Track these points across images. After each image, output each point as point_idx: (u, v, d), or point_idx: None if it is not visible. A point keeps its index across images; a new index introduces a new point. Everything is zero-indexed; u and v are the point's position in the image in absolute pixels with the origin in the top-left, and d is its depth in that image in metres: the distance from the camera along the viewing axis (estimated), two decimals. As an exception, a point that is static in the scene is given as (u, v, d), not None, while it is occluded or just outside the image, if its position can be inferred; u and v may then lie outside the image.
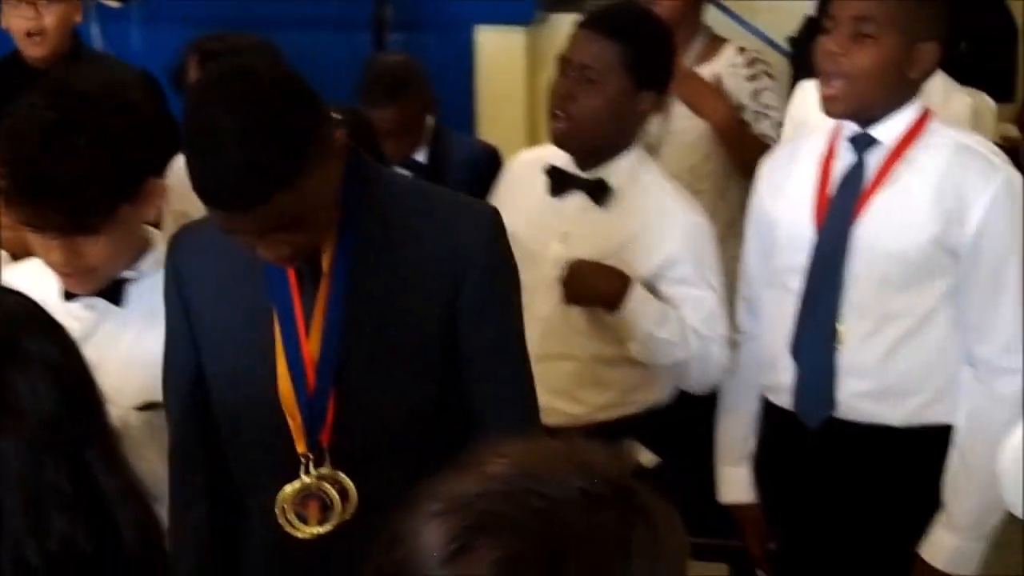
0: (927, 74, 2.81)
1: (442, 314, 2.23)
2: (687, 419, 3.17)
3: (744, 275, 3.11)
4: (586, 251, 3.03)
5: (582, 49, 3.00)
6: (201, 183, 2.05)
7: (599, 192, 3.05)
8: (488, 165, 4.14)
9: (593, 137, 3.03)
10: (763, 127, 3.92)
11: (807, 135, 3.00)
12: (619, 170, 3.06)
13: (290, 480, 2.25)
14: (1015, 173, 2.81)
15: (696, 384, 3.14)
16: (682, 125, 3.90)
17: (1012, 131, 5.69)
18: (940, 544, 2.88)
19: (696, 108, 3.89)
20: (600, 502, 1.30)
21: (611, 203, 3.05)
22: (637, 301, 2.97)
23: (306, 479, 2.24)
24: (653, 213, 3.01)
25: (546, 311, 3.04)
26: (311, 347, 2.22)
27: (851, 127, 2.84)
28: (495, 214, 2.30)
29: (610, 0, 3.34)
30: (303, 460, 2.24)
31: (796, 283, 2.88)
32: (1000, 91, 5.05)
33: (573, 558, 1.26)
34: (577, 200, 3.07)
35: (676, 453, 3.10)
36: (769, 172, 3.03)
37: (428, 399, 2.26)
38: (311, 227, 2.13)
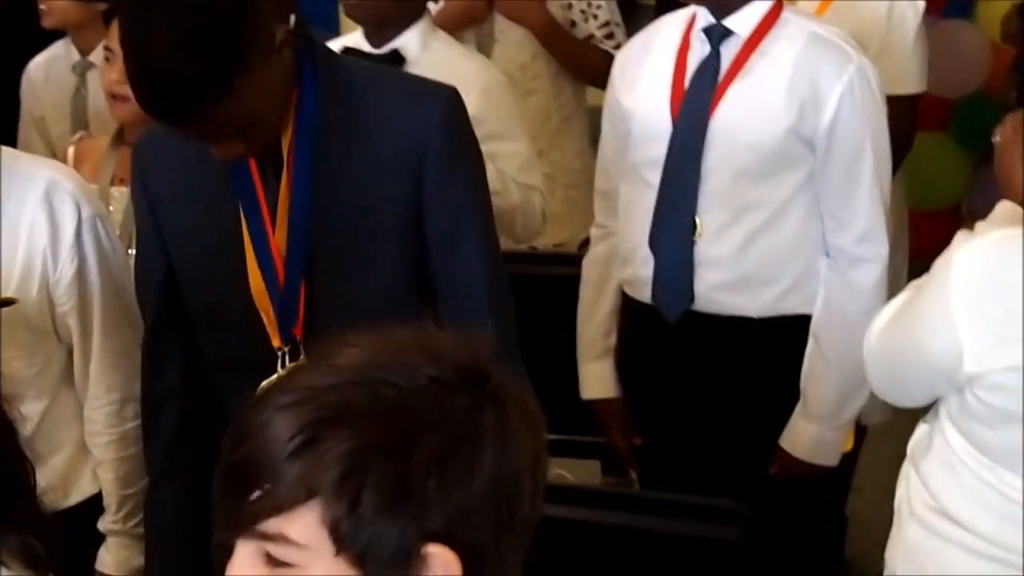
0: None
1: (407, 197, 2.21)
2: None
3: (600, 169, 3.10)
4: None
5: None
6: (137, 95, 2.02)
7: (394, 63, 3.12)
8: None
9: (380, 10, 3.13)
10: (590, 27, 3.99)
11: (660, 28, 2.99)
12: (410, 41, 3.17)
13: (267, 376, 2.20)
14: (868, 63, 2.82)
15: (523, 234, 3.23)
16: (508, 25, 3.99)
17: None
18: (800, 434, 2.91)
19: (510, 15, 3.97)
20: (450, 389, 1.30)
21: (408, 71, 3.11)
22: None
23: (281, 373, 2.21)
24: (449, 77, 3.02)
25: None
26: (278, 240, 2.21)
27: (706, 18, 2.83)
28: (454, 96, 2.28)
29: None
30: (279, 354, 2.23)
31: (653, 176, 2.87)
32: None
33: (423, 445, 1.27)
34: None
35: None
36: (623, 65, 3.01)
37: (400, 285, 2.24)
38: (259, 127, 2.10)
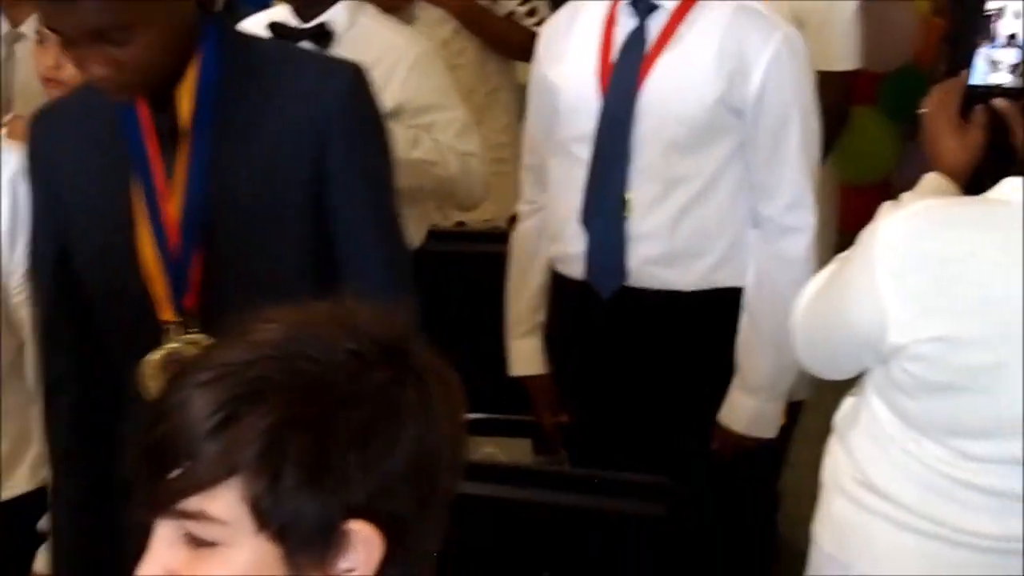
0: None
1: (309, 171, 2.16)
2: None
3: (528, 144, 3.08)
4: None
5: None
6: None
7: (322, 37, 3.15)
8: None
9: None
10: (511, 4, 4.04)
11: (584, 2, 2.96)
12: (337, 15, 3.19)
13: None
14: (795, 31, 2.82)
15: (467, 202, 3.27)
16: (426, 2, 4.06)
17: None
18: (738, 408, 2.91)
19: None
20: (370, 364, 1.29)
21: (335, 46, 3.13)
22: None
23: (170, 345, 2.18)
24: (377, 51, 3.08)
25: None
26: (173, 208, 2.14)
27: (632, -10, 2.81)
28: (358, 71, 2.23)
29: None
30: (166, 326, 2.18)
31: (583, 151, 2.85)
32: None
33: (342, 420, 1.26)
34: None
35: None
36: (548, 39, 2.99)
37: (301, 263, 2.19)
38: (142, 43, 2.01)
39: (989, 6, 2.02)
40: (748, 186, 2.84)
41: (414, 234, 3.20)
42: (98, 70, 2.02)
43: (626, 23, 2.83)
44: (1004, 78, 2.04)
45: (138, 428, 1.40)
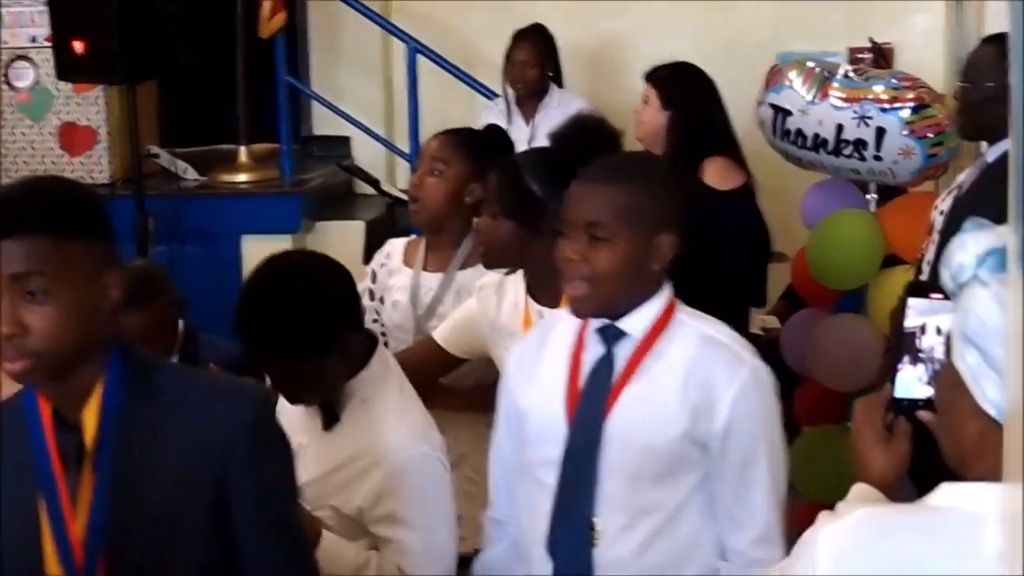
0: (668, 262, 2.84)
1: (211, 497, 2.23)
2: None
3: (496, 462, 3.05)
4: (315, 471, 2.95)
5: None
6: None
7: (329, 417, 3.00)
8: (238, 368, 4.09)
9: None
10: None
11: (555, 324, 3.00)
12: (351, 394, 2.98)
13: None
14: (761, 365, 2.85)
15: None
16: None
17: (772, 322, 5.86)
18: None
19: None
20: None
21: (336, 427, 2.99)
22: (326, 553, 2.81)
23: None
24: (374, 440, 2.93)
25: None
26: (78, 528, 2.22)
27: (599, 318, 2.84)
28: (261, 399, 2.31)
29: None
30: None
31: (549, 477, 2.84)
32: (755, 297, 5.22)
33: None
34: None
35: None
36: (518, 361, 3.01)
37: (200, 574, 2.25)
38: (53, 309, 2.13)
39: (908, 324, 2.09)
40: (714, 516, 2.82)
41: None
42: (7, 328, 2.12)
43: (594, 349, 2.85)
44: (926, 391, 2.10)
45: None
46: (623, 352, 2.84)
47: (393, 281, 3.94)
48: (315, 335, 2.87)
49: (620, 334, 2.84)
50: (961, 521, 1.84)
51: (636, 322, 2.83)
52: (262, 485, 2.26)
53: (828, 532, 1.96)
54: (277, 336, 2.86)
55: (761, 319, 5.79)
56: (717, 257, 4.37)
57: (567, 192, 2.84)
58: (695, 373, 2.79)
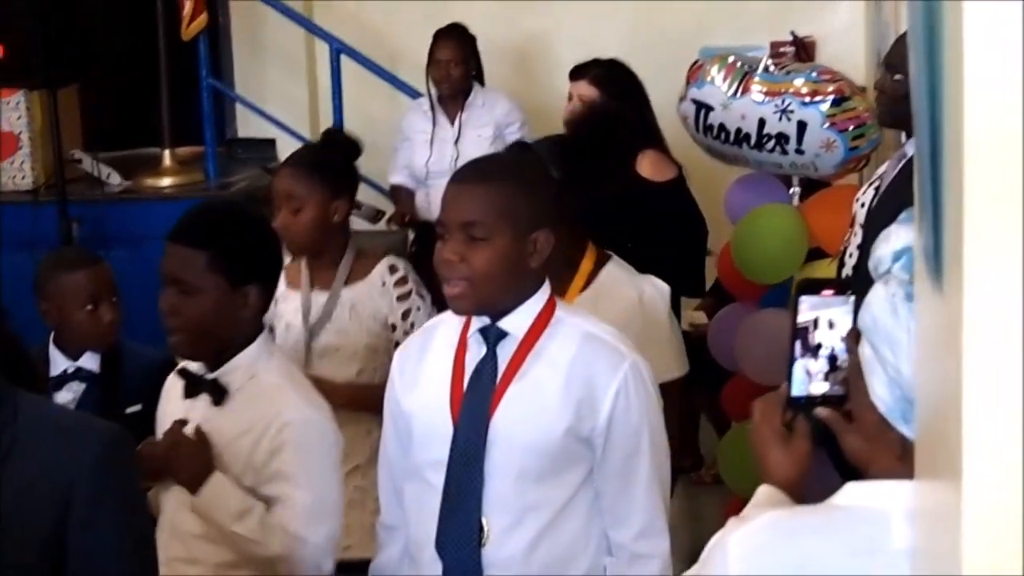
0: (547, 259, 2.82)
1: (49, 537, 2.15)
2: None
3: (384, 466, 3.05)
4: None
5: (170, 264, 2.99)
6: None
7: (218, 392, 3.03)
8: (163, 376, 4.03)
9: (202, 342, 3.01)
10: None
11: (437, 326, 3.00)
12: (236, 368, 3.03)
13: None
14: (641, 360, 2.85)
15: None
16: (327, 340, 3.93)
17: (700, 318, 5.82)
18: None
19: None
20: None
21: (227, 401, 3.02)
22: (214, 491, 2.92)
23: None
24: (263, 406, 2.99)
25: (169, 514, 3.03)
26: None
27: (480, 319, 2.84)
28: (112, 436, 2.23)
29: None
30: None
31: (436, 478, 2.84)
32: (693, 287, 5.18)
33: None
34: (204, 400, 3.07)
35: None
36: (402, 363, 3.00)
37: None
38: None
39: (800, 319, 2.04)
40: (599, 512, 2.83)
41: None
42: None
43: (476, 350, 2.85)
44: (821, 387, 2.05)
45: None
46: (505, 352, 2.84)
47: (282, 306, 3.93)
48: (248, 254, 3.01)
49: (502, 334, 2.84)
50: (866, 519, 1.84)
51: (517, 321, 2.83)
52: (101, 530, 2.18)
53: (737, 537, 1.96)
54: (221, 234, 2.98)
55: (689, 315, 5.76)
56: (657, 248, 4.41)
57: (443, 194, 2.84)
58: (577, 370, 2.80)
